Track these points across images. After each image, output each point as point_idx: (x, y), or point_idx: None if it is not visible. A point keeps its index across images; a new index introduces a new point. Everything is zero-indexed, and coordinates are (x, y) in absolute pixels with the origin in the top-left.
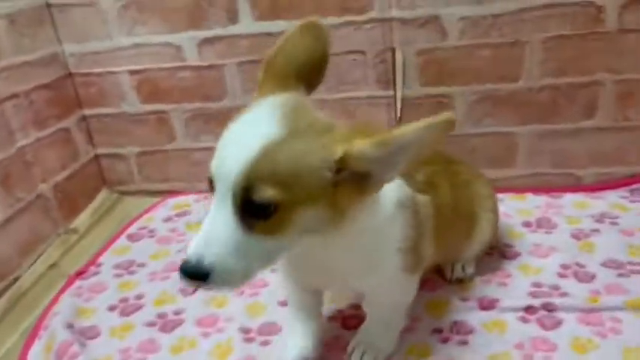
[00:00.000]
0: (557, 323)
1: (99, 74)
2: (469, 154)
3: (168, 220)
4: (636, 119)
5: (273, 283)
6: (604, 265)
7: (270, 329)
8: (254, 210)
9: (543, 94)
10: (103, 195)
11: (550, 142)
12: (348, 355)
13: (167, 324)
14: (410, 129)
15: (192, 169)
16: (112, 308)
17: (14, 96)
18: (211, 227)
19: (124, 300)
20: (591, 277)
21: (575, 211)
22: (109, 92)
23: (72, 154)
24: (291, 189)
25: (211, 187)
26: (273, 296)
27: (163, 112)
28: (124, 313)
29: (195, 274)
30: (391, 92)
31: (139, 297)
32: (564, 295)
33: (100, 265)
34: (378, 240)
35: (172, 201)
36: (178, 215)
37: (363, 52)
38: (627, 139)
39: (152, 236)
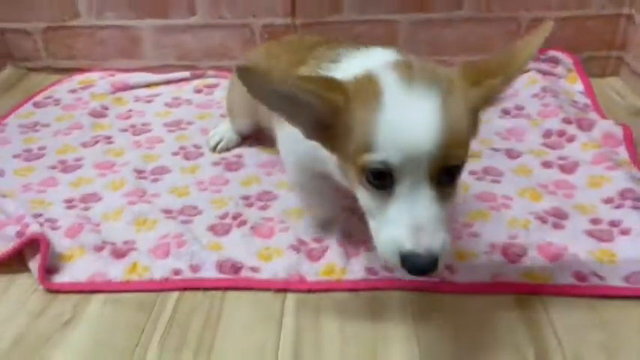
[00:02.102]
0: None
1: None
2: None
3: (73, 91)
4: (497, 11)
5: (168, 140)
6: None
7: (161, 170)
8: (446, 178)
9: None
10: (9, 69)
11: (426, 31)
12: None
13: (67, 168)
14: (525, 59)
15: (98, 48)
16: (16, 156)
17: None
18: (419, 213)
19: (28, 150)
20: None
21: None
22: None
23: None
24: (467, 144)
25: (386, 177)
26: (167, 149)
27: None
28: (27, 160)
29: (430, 267)
30: None
31: (42, 148)
32: None
33: (5, 125)
34: None
35: (78, 77)
36: (83, 88)
37: None
38: (490, 30)
39: (57, 104)
